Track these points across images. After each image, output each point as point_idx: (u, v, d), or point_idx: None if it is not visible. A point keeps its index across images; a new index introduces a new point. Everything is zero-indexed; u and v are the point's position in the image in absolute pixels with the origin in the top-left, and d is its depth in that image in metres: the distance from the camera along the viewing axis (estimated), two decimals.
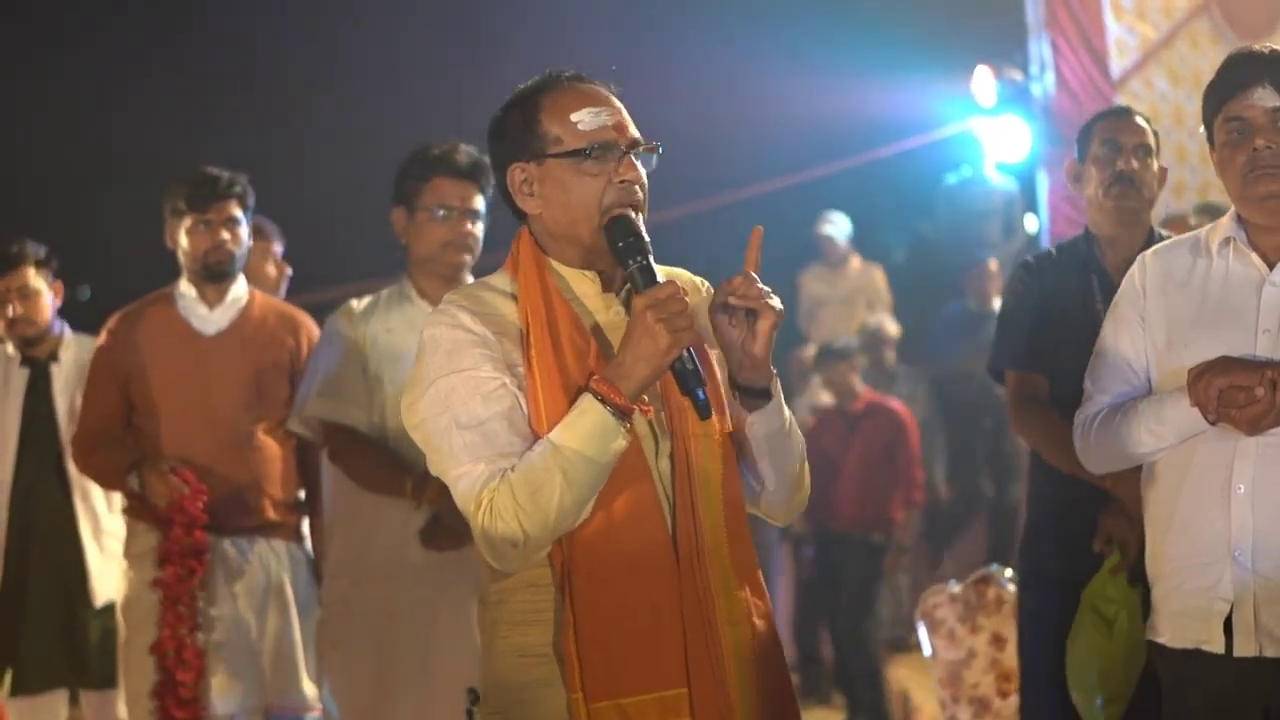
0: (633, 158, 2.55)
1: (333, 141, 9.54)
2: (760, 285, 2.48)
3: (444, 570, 4.12)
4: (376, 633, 4.16)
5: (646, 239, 2.49)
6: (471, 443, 2.45)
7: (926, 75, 9.96)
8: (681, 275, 2.71)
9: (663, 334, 2.37)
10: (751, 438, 2.57)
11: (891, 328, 9.13)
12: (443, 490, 4.02)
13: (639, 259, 2.47)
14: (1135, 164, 4.01)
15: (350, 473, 4.21)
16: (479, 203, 4.21)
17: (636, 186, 2.54)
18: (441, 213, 4.17)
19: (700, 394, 2.42)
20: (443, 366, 2.49)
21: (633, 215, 2.51)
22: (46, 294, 5.27)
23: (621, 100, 2.61)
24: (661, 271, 2.55)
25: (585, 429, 2.39)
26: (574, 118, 2.54)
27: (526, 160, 2.57)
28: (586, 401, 2.40)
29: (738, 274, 2.50)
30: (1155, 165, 4.06)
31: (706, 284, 2.72)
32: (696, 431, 2.51)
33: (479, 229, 4.22)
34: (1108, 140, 4.04)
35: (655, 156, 2.59)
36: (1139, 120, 4.09)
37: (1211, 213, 4.85)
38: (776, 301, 2.49)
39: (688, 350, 2.42)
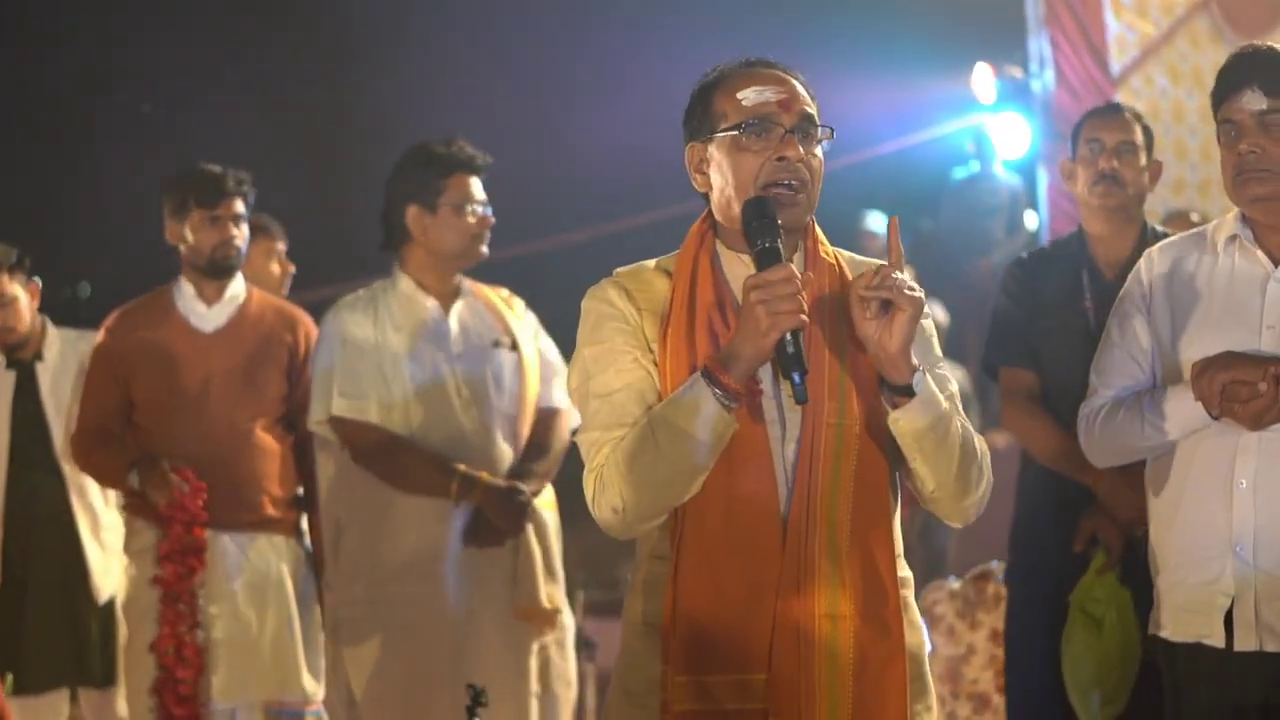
0: (797, 137, 2.53)
1: (334, 139, 9.53)
2: (898, 276, 2.45)
3: (479, 567, 4.12)
4: (409, 632, 4.12)
5: (778, 222, 2.48)
6: (599, 411, 2.53)
7: (926, 72, 9.94)
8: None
9: (762, 316, 2.38)
10: (898, 435, 2.50)
11: (940, 315, 9.05)
12: (488, 490, 4.04)
13: (763, 241, 2.46)
14: (1116, 163, 4.01)
15: (384, 473, 4.14)
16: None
17: (799, 164, 2.53)
18: (470, 208, 4.21)
19: (796, 378, 2.40)
20: (587, 338, 2.59)
21: (770, 200, 2.50)
22: (23, 298, 5.17)
23: (806, 87, 2.60)
24: (868, 263, 2.58)
25: (685, 405, 2.42)
26: (739, 95, 2.56)
27: (700, 140, 2.60)
28: (694, 378, 2.44)
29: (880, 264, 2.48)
30: (1143, 160, 4.05)
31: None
32: (830, 420, 2.48)
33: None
34: (1091, 140, 4.05)
35: (828, 141, 2.58)
36: (1126, 116, 4.09)
37: (1178, 221, 4.87)
38: (916, 292, 2.46)
39: (791, 334, 2.40)
